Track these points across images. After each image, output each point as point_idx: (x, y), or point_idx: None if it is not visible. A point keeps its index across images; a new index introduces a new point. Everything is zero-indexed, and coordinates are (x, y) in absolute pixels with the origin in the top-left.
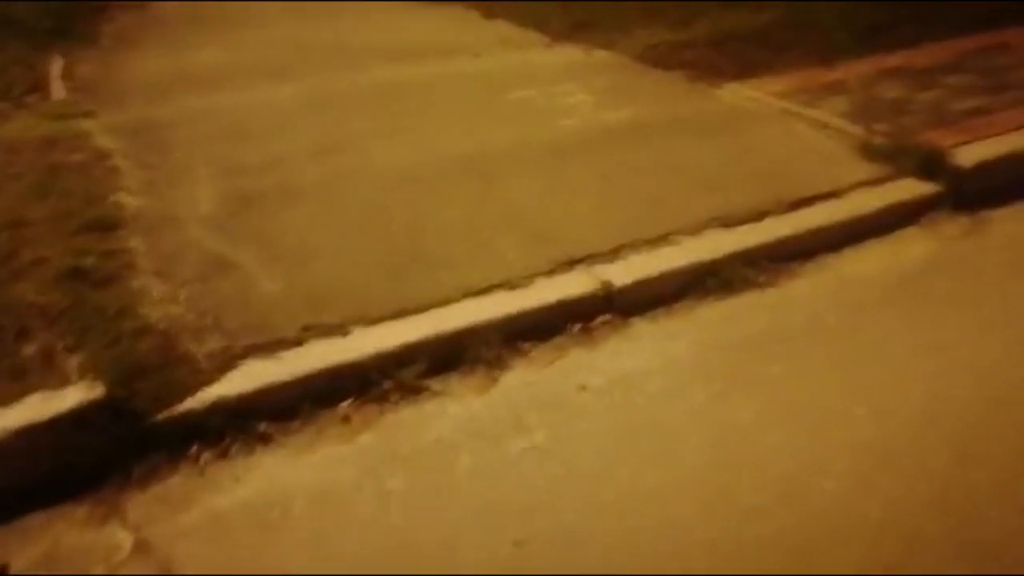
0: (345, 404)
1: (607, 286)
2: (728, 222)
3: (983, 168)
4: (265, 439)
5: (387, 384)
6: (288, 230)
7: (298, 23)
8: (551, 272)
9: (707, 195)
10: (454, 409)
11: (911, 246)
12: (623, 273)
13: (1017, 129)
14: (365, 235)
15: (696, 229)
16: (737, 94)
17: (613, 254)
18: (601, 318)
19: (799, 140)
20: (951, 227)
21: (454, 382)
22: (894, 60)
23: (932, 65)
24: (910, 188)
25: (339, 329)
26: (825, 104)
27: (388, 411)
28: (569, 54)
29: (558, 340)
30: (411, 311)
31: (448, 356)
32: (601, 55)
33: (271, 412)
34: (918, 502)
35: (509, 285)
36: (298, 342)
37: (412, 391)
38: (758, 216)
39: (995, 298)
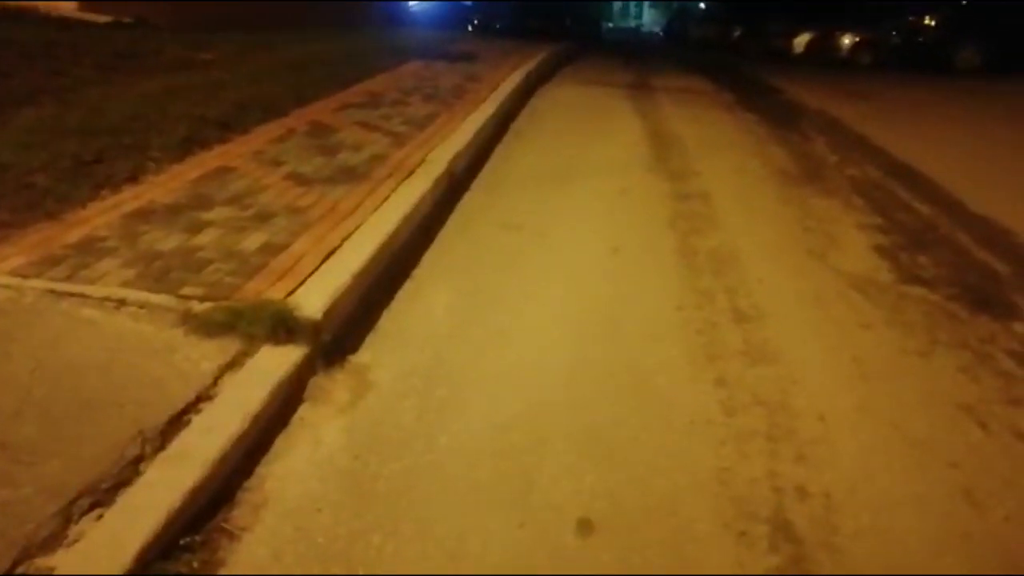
0: None
1: None
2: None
3: (333, 310)
4: None
5: None
6: None
7: None
8: None
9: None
10: None
11: (320, 435)
12: None
13: (326, 258)
14: None
15: None
16: None
17: None
18: None
19: (103, 334)
20: (338, 391)
21: None
22: (131, 200)
23: (178, 200)
24: (278, 359)
25: None
26: (99, 272)
27: None
28: None
29: None
30: None
31: None
32: None
33: None
34: None
35: None
36: None
37: None
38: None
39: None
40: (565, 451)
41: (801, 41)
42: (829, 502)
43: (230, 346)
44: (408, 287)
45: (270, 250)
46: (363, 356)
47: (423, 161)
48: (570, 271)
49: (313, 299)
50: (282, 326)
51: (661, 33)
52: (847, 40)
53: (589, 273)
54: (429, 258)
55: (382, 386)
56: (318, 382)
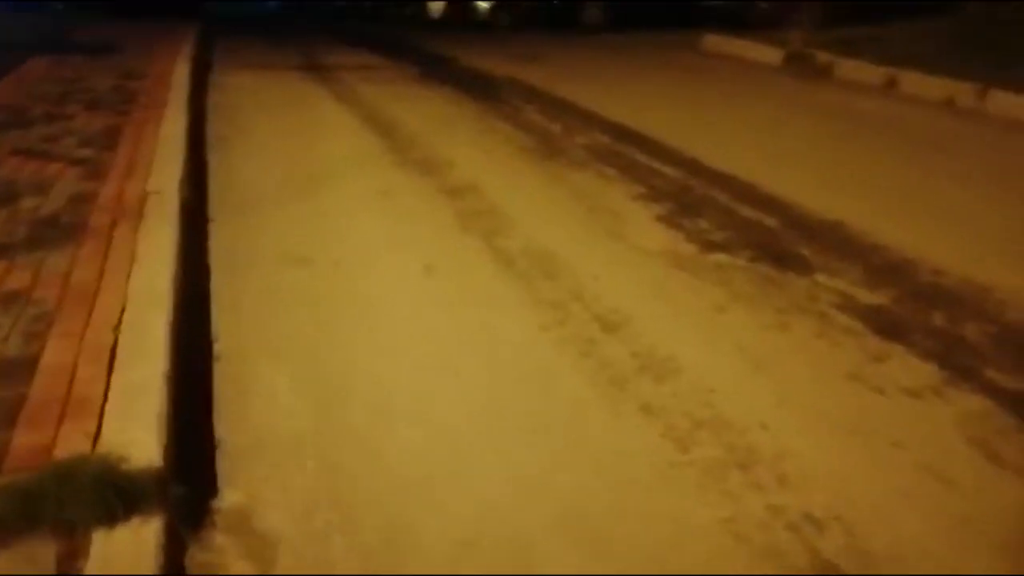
0: None
1: None
2: None
3: (168, 446)
4: None
5: None
6: None
7: None
8: None
9: None
10: None
11: None
12: None
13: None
14: None
15: None
16: None
17: None
18: None
19: None
20: (234, 565)
21: None
22: None
23: None
24: (126, 548)
25: None
26: None
27: None
28: None
29: None
30: None
31: None
32: None
33: None
34: None
35: None
36: None
37: None
38: None
39: None
40: (548, 543)
41: (438, 6)
42: (843, 525)
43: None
44: (226, 373)
45: (17, 374)
46: (232, 497)
47: (145, 195)
48: (400, 310)
49: (132, 435)
50: (111, 490)
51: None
52: (484, 3)
53: (421, 306)
54: (225, 325)
55: (289, 542)
56: (197, 559)
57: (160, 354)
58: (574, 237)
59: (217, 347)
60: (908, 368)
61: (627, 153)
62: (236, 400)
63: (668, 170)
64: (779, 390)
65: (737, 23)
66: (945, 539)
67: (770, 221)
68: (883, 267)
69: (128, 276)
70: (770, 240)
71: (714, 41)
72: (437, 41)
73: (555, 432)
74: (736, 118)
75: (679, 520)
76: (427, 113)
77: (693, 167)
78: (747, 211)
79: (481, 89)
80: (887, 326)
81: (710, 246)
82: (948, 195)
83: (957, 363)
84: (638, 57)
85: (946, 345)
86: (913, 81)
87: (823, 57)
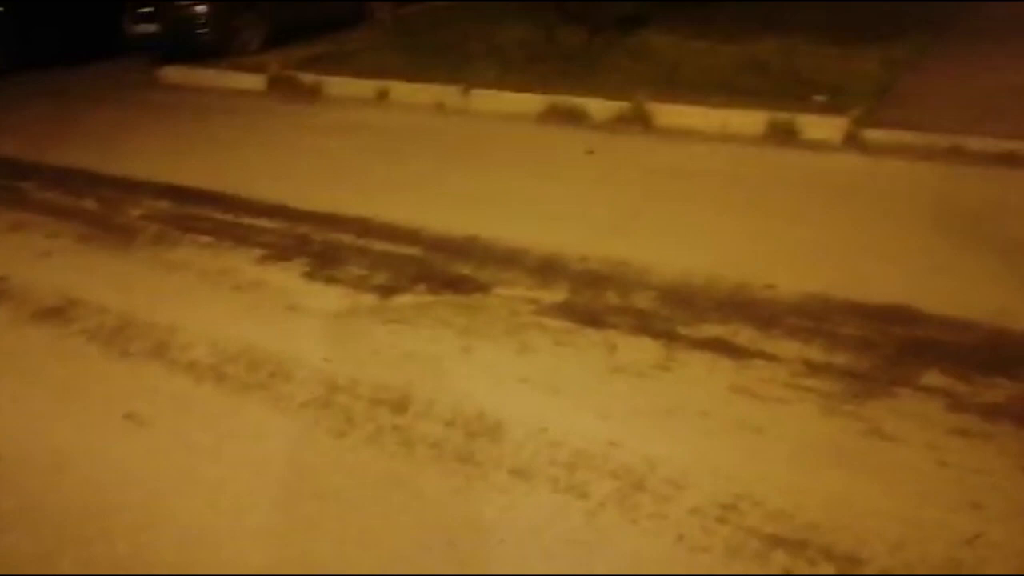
0: None
1: None
2: None
3: None
4: None
5: None
6: None
7: None
8: None
9: None
10: None
11: None
12: None
13: None
14: None
15: None
16: None
17: None
18: None
19: None
20: None
21: None
22: None
23: None
24: None
25: None
26: None
27: None
28: None
29: None
30: None
31: None
32: None
33: None
34: None
35: None
36: None
37: None
38: None
39: None
40: None
41: None
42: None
43: None
44: None
45: None
46: None
47: None
48: None
49: None
50: None
51: None
52: None
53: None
54: None
55: None
56: None
57: None
58: (249, 319)
59: None
60: (630, 345)
61: (204, 214)
62: None
63: (265, 222)
64: (669, 437)
65: (182, 50)
66: None
67: (411, 250)
68: (537, 267)
69: None
70: (428, 269)
71: (176, 73)
72: None
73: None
74: (266, 148)
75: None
76: None
77: (290, 214)
78: (381, 246)
79: None
80: (585, 315)
81: (385, 291)
82: (524, 187)
83: (658, 329)
84: (90, 99)
85: (640, 318)
86: (403, 91)
87: (308, 78)
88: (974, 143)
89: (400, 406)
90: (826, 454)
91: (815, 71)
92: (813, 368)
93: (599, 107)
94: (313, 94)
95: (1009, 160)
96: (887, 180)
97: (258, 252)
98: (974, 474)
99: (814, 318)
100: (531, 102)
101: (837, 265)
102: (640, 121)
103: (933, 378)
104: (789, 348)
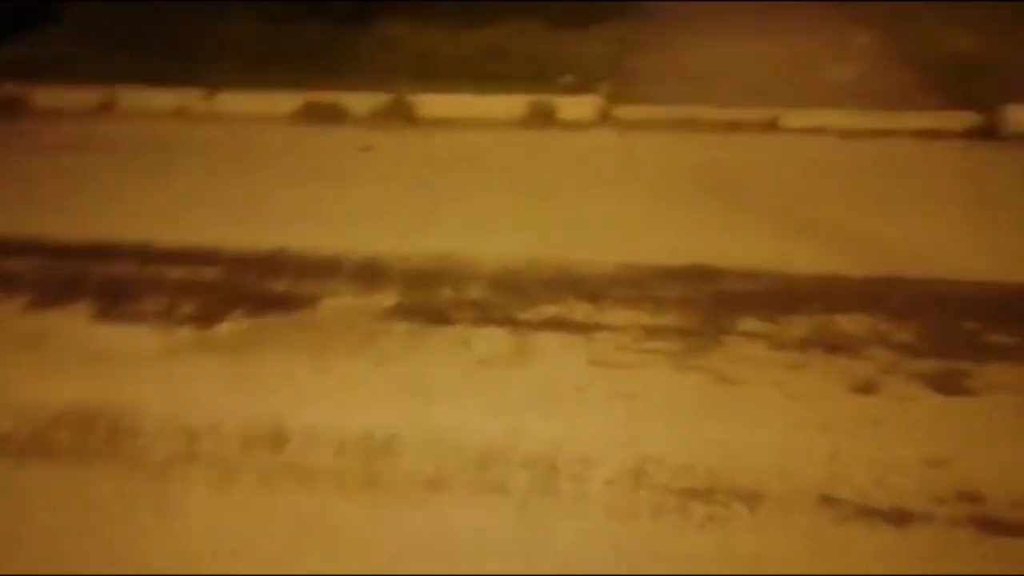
0: None
1: None
2: None
3: None
4: None
5: None
6: None
7: None
8: None
9: None
10: None
11: None
12: None
13: None
14: None
15: None
16: None
17: None
18: None
19: None
20: None
21: None
22: None
23: None
24: None
25: None
26: None
27: None
28: None
29: None
30: None
31: None
32: None
33: None
34: None
35: None
36: None
37: None
38: None
39: None
40: None
41: None
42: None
43: None
44: None
45: None
46: None
47: None
48: None
49: None
50: None
51: None
52: None
53: None
54: None
55: None
56: None
57: None
58: (52, 376)
59: None
60: (481, 336)
61: None
62: None
63: (14, 264)
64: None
65: None
66: None
67: (212, 272)
68: (358, 273)
69: None
70: (240, 290)
71: None
72: None
73: None
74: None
75: None
76: None
77: (48, 249)
78: (174, 272)
79: None
80: (428, 314)
81: (200, 321)
82: (311, 192)
83: (499, 317)
84: None
85: (480, 309)
86: (134, 97)
87: (11, 89)
88: (707, 113)
89: (277, 441)
90: (694, 406)
91: (553, 53)
92: (651, 331)
93: (359, 102)
94: (20, 107)
95: (734, 127)
96: (646, 151)
97: (21, 299)
98: (816, 398)
99: (635, 286)
100: (286, 101)
101: (631, 235)
102: (403, 114)
103: (750, 324)
104: (624, 316)
